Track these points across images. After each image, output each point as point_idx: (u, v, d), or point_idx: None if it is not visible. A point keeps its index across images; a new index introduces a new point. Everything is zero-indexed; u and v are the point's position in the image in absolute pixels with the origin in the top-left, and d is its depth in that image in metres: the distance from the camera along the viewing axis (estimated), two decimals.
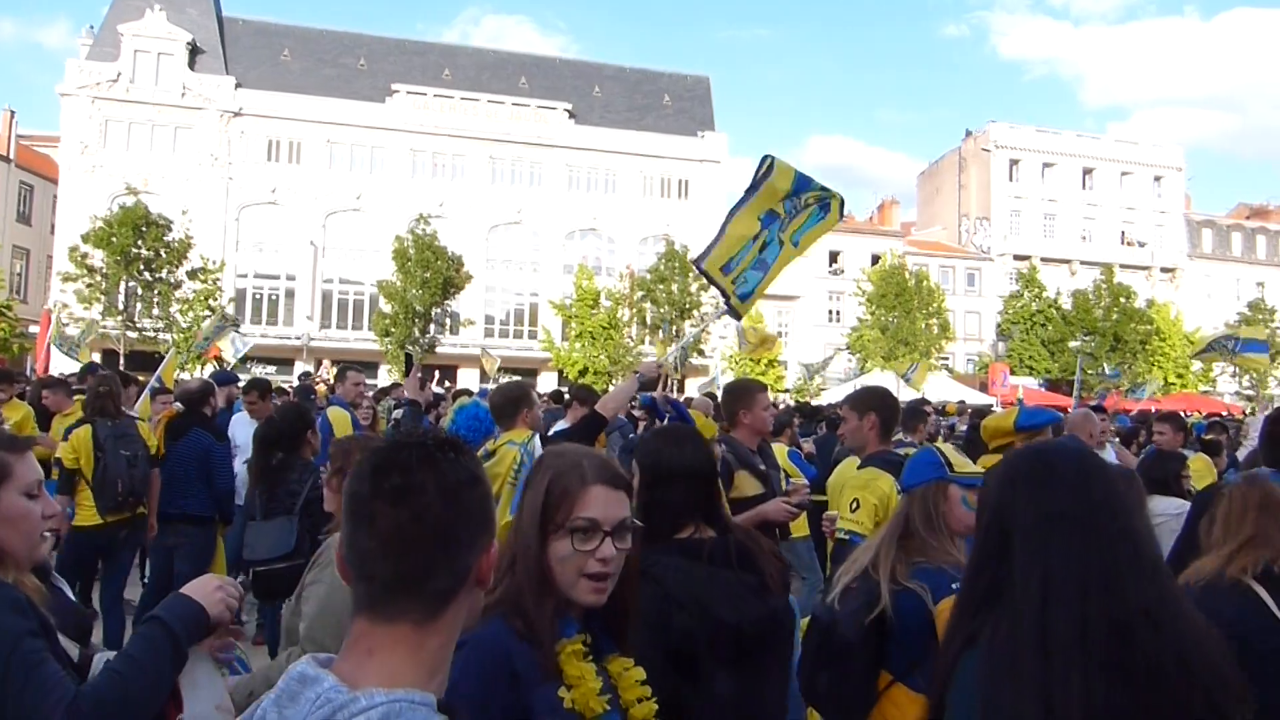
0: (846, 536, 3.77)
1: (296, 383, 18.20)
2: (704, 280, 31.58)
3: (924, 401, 10.44)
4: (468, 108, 42.18)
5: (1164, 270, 50.47)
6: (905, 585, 2.34)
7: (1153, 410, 13.84)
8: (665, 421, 4.07)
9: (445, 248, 34.43)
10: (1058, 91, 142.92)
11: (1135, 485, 4.13)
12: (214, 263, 32.66)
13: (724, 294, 5.25)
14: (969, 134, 52.00)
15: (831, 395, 27.65)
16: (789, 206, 5.26)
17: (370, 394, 9.66)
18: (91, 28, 40.66)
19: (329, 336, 38.89)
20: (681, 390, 31.89)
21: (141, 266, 30.18)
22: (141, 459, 6.04)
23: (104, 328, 29.74)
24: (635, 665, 1.70)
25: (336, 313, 40.64)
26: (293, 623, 2.77)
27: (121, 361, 26.71)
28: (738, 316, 5.45)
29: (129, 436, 6.05)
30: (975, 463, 2.77)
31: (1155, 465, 4.91)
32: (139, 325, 30.26)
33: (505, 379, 27.92)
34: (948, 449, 2.76)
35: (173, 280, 31.04)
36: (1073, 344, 39.45)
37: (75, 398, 8.23)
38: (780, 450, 6.66)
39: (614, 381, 34.16)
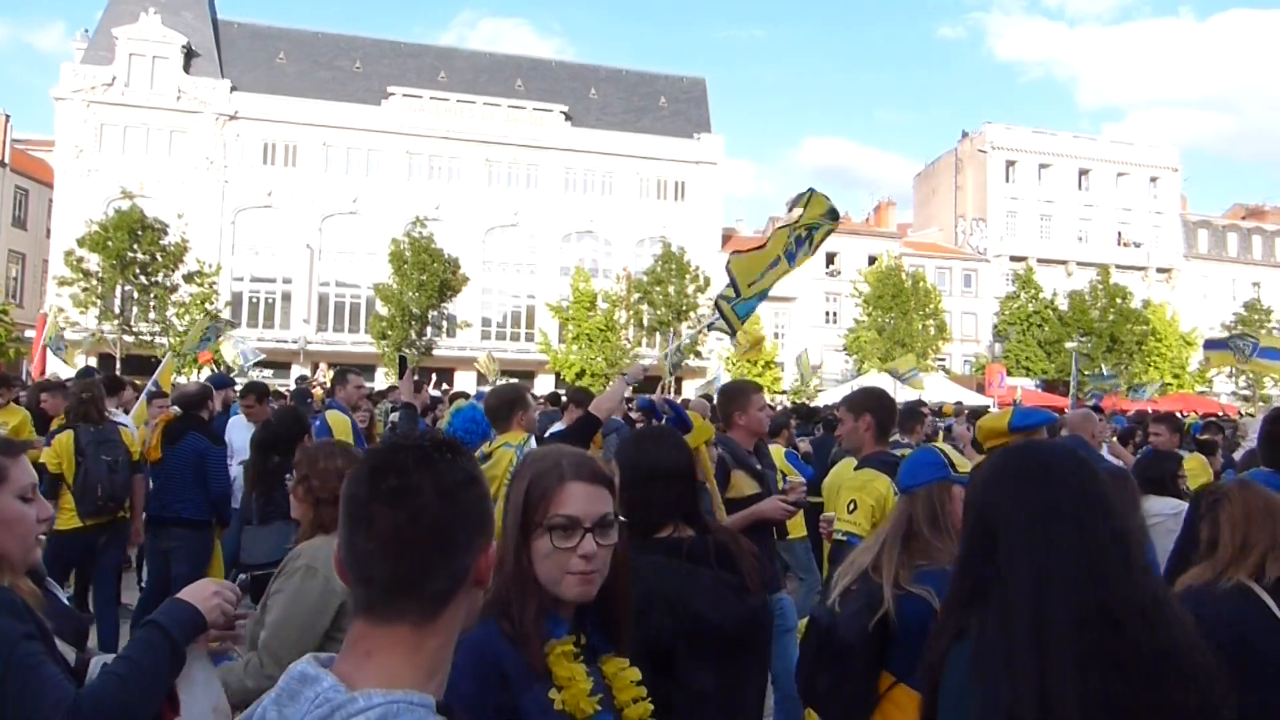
0: (844, 538, 3.77)
1: (293, 386, 18.18)
2: (701, 283, 31.69)
3: (920, 403, 10.46)
4: (464, 110, 42.18)
5: (1160, 271, 50.56)
6: (909, 590, 2.33)
7: (1149, 411, 13.86)
8: (663, 423, 4.07)
9: (442, 250, 34.45)
10: (1054, 92, 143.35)
11: (1129, 485, 4.16)
12: (210, 266, 32.64)
13: (727, 321, 5.37)
14: (965, 135, 52.08)
15: (828, 397, 27.66)
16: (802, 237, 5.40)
17: (367, 397, 9.66)
18: (86, 31, 40.64)
19: (326, 340, 38.85)
20: (679, 392, 31.90)
21: (137, 270, 30.16)
22: (123, 464, 6.09)
23: (100, 333, 29.74)
24: (630, 665, 1.70)
25: (333, 316, 40.60)
26: (255, 630, 2.76)
27: (118, 366, 26.65)
28: (733, 333, 5.56)
29: (110, 442, 6.10)
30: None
31: (1151, 465, 4.92)
32: (135, 329, 30.22)
33: (503, 381, 27.90)
34: (946, 448, 2.77)
35: (169, 284, 31.03)
36: (1069, 345, 39.52)
37: None
38: (777, 451, 6.67)
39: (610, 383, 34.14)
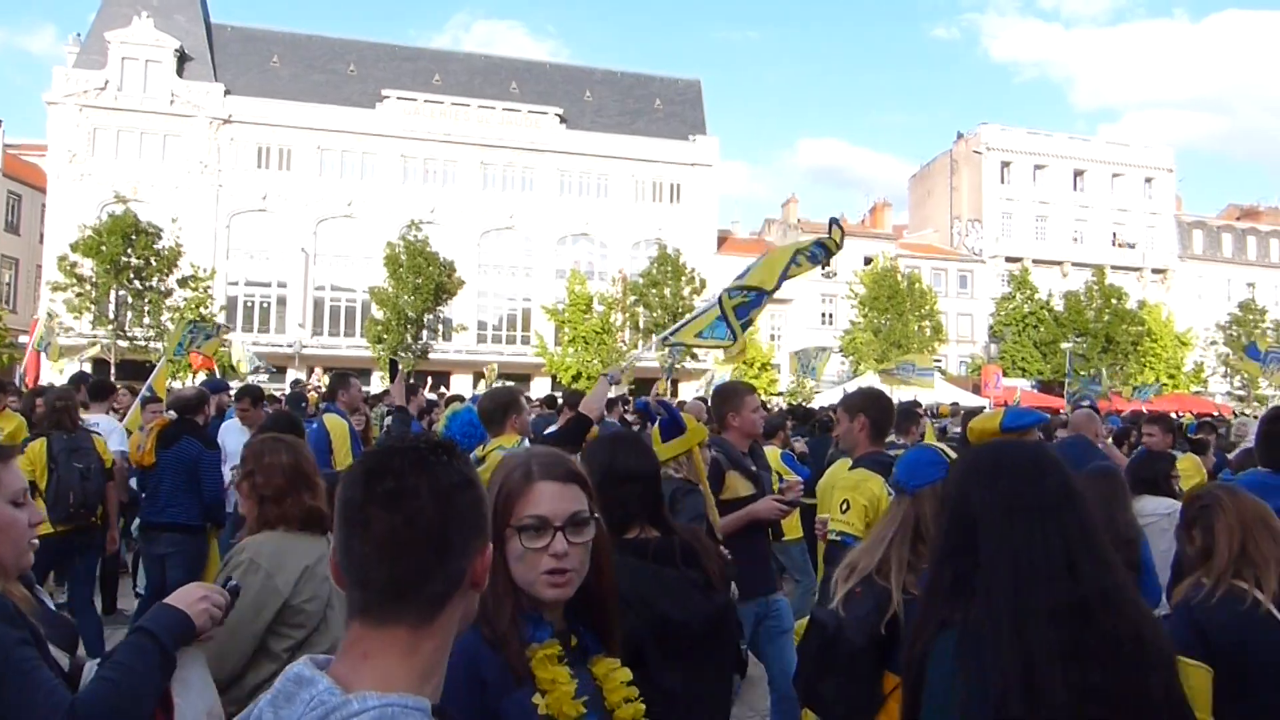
0: (838, 538, 3.77)
1: (288, 390, 18.15)
2: (696, 284, 31.70)
3: (916, 403, 10.48)
4: (459, 113, 42.17)
5: (1155, 271, 50.70)
6: (918, 593, 2.32)
7: (1143, 411, 13.90)
8: (656, 424, 4.08)
9: (437, 254, 34.46)
10: (1049, 93, 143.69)
11: (1119, 483, 4.17)
12: (205, 271, 32.60)
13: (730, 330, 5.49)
14: (960, 136, 52.21)
15: (825, 398, 27.69)
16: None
17: (364, 401, 9.67)
18: (78, 35, 40.56)
19: (321, 344, 38.81)
20: (676, 394, 31.91)
21: (131, 275, 30.11)
22: (95, 471, 6.13)
23: (95, 339, 29.69)
24: (621, 666, 1.70)
25: (328, 320, 40.56)
26: None
27: (112, 371, 26.59)
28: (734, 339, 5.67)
29: (83, 449, 6.14)
30: None
31: (1144, 465, 4.93)
32: (129, 334, 30.16)
33: (498, 384, 27.86)
34: (943, 446, 2.77)
35: (163, 289, 30.97)
36: (1065, 345, 39.60)
37: None
38: (773, 452, 6.68)
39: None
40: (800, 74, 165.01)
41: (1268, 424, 3.81)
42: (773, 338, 44.00)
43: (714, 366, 35.87)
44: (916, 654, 1.81)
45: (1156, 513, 4.42)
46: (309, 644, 2.76)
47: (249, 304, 39.75)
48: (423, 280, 33.61)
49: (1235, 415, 27.09)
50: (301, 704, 1.00)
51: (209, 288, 32.83)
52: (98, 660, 2.06)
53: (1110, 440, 8.66)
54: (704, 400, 11.25)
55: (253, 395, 7.65)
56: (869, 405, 4.22)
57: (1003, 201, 49.67)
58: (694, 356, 36.31)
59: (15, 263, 40.93)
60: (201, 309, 31.93)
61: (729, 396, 4.74)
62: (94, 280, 29.57)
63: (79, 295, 29.41)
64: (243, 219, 39.49)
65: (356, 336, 38.42)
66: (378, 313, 34.72)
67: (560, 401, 12.66)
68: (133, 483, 7.32)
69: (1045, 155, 50.61)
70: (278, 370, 34.64)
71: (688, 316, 5.90)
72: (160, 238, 30.61)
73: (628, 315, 38.73)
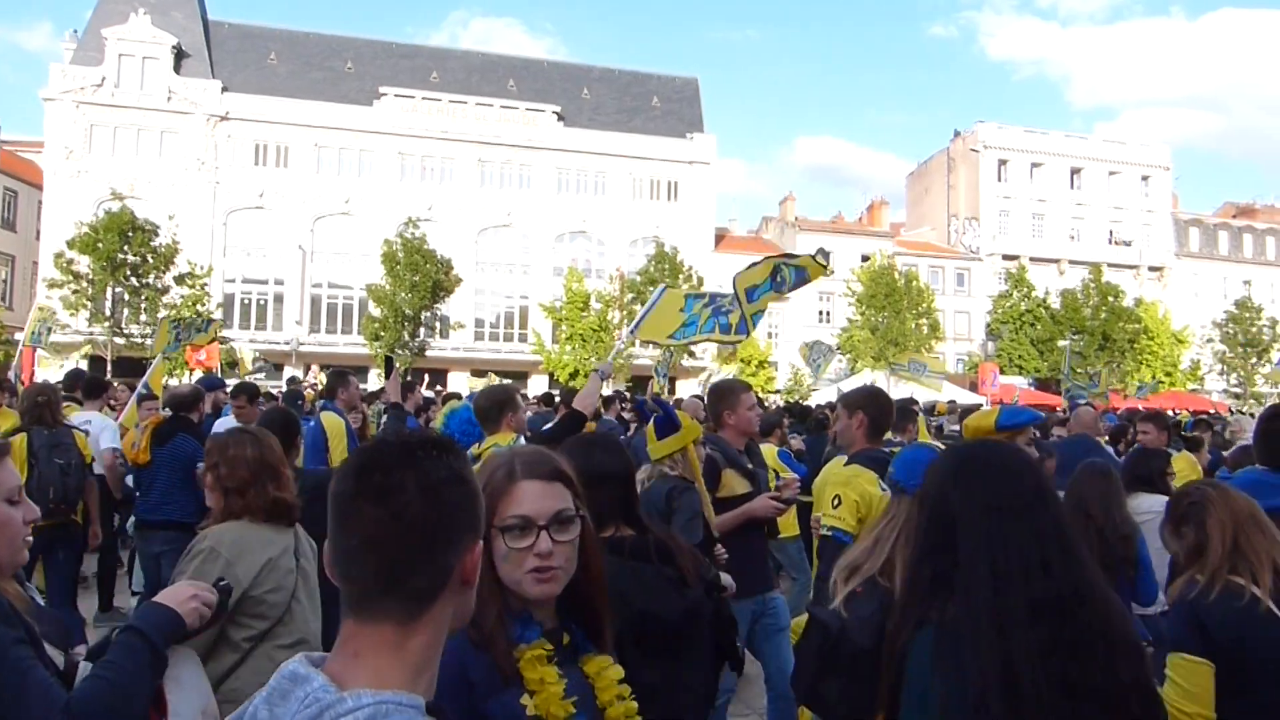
0: (829, 533, 3.77)
1: (285, 388, 18.12)
2: (694, 282, 31.82)
3: (913, 401, 10.49)
4: (456, 110, 42.13)
5: (1151, 269, 50.77)
6: None
7: (1139, 409, 13.92)
8: (651, 422, 4.08)
9: (434, 251, 34.44)
10: (1046, 92, 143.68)
11: (1114, 480, 4.18)
12: (201, 268, 32.58)
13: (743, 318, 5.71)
14: (957, 134, 52.21)
15: (821, 396, 27.70)
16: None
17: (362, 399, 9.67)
18: (75, 31, 40.49)
19: (318, 341, 38.76)
20: (673, 391, 31.91)
21: (128, 272, 30.07)
22: (75, 467, 6.11)
23: (90, 335, 29.65)
24: (613, 664, 1.69)
25: (325, 317, 40.52)
26: None
27: (109, 368, 26.56)
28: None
29: (63, 445, 6.12)
30: None
31: (1139, 463, 4.94)
32: (126, 331, 30.12)
33: (495, 382, 27.86)
34: (937, 445, 2.77)
35: (160, 286, 30.93)
36: (1062, 343, 39.63)
37: (65, 405, 8.20)
38: (770, 450, 6.68)
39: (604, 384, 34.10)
40: (798, 72, 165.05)
41: (1266, 421, 3.79)
42: (770, 335, 44.02)
43: (712, 364, 35.91)
44: (896, 651, 1.84)
45: (1152, 510, 4.43)
46: (271, 636, 2.76)
47: (246, 301, 39.71)
48: (420, 278, 33.59)
49: (1232, 413, 27.15)
50: (296, 701, 1.00)
51: (206, 285, 32.80)
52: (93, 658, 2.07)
53: (1107, 438, 8.69)
54: (701, 398, 11.25)
55: (249, 392, 7.64)
56: (868, 403, 4.22)
57: (1000, 199, 49.70)
58: (691, 354, 36.38)
59: (11, 260, 40.86)
60: (198, 306, 31.89)
61: (725, 394, 4.73)
62: (90, 277, 29.52)
63: (75, 292, 29.36)
64: (240, 216, 39.43)
65: (354, 334, 38.39)
66: (375, 310, 34.70)
67: (558, 399, 12.68)
68: (129, 480, 7.31)
69: (1042, 153, 50.64)
70: (275, 368, 34.67)
71: (645, 309, 5.90)
72: (157, 235, 30.57)
73: (625, 313, 38.72)
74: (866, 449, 4.08)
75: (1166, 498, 4.52)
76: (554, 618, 1.68)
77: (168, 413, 6.68)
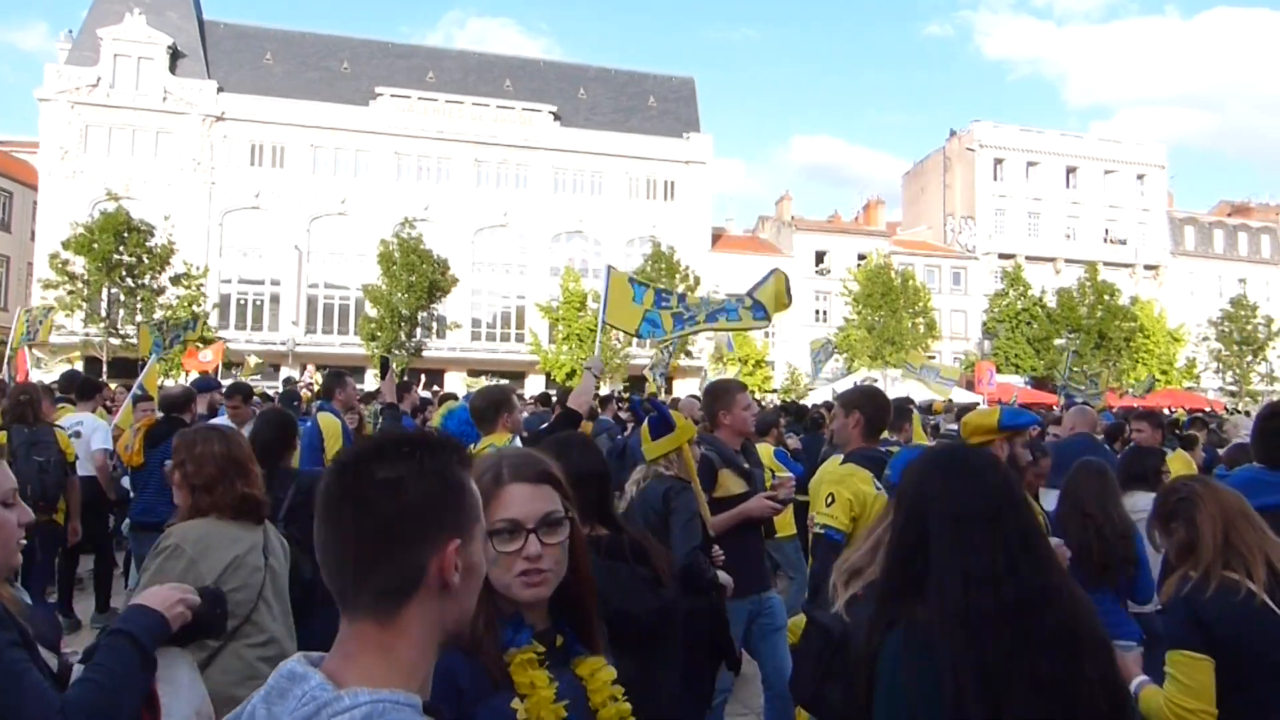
0: (822, 531, 3.77)
1: (281, 388, 18.09)
2: (691, 282, 31.94)
3: (909, 400, 10.48)
4: (452, 110, 42.09)
5: (1147, 268, 50.84)
6: None
7: (1135, 407, 13.94)
8: (646, 422, 4.08)
9: (431, 251, 34.39)
10: (1042, 91, 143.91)
11: (1109, 477, 4.18)
12: (197, 268, 32.50)
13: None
14: (953, 133, 52.25)
15: (818, 395, 27.70)
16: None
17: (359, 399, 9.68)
18: (70, 32, 40.36)
19: (315, 341, 38.72)
20: (670, 391, 31.91)
21: (123, 273, 29.99)
22: (54, 465, 6.16)
23: (86, 335, 29.57)
24: (606, 666, 1.68)
25: (322, 317, 40.46)
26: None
27: (104, 369, 26.51)
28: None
29: (43, 443, 6.18)
30: None
31: (1135, 461, 4.95)
32: (122, 332, 30.06)
33: (491, 382, 27.82)
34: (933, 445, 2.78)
35: (155, 286, 30.86)
36: (1058, 342, 39.64)
37: (60, 405, 8.19)
38: (766, 450, 6.68)
39: (601, 384, 34.11)
40: (794, 72, 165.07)
41: (1265, 420, 3.78)
42: (767, 335, 44.03)
43: (708, 365, 35.92)
44: (868, 651, 1.90)
45: (1148, 508, 4.42)
46: (239, 635, 2.74)
47: (242, 302, 39.64)
48: (416, 278, 33.54)
49: (1229, 411, 27.18)
50: (294, 699, 1.01)
51: (202, 285, 32.74)
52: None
53: (1102, 436, 8.69)
54: (698, 398, 11.25)
55: (243, 392, 7.65)
56: (865, 402, 4.22)
57: (995, 198, 49.75)
58: (688, 354, 36.39)
59: (6, 260, 40.76)
60: (194, 307, 31.83)
61: (720, 394, 4.73)
62: (86, 278, 29.45)
63: (71, 293, 29.28)
64: (235, 216, 39.36)
65: (350, 334, 38.32)
66: (371, 310, 34.65)
67: (554, 399, 12.67)
68: (125, 482, 7.30)
69: (1038, 152, 50.70)
70: (272, 368, 34.62)
71: (603, 295, 5.97)
72: (153, 235, 30.50)
73: None
74: (862, 448, 4.07)
75: None
76: (546, 620, 1.67)
77: (160, 414, 6.68)
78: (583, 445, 2.65)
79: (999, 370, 36.92)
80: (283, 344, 37.08)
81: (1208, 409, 25.51)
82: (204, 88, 39.17)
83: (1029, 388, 33.39)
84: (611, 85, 46.85)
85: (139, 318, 29.97)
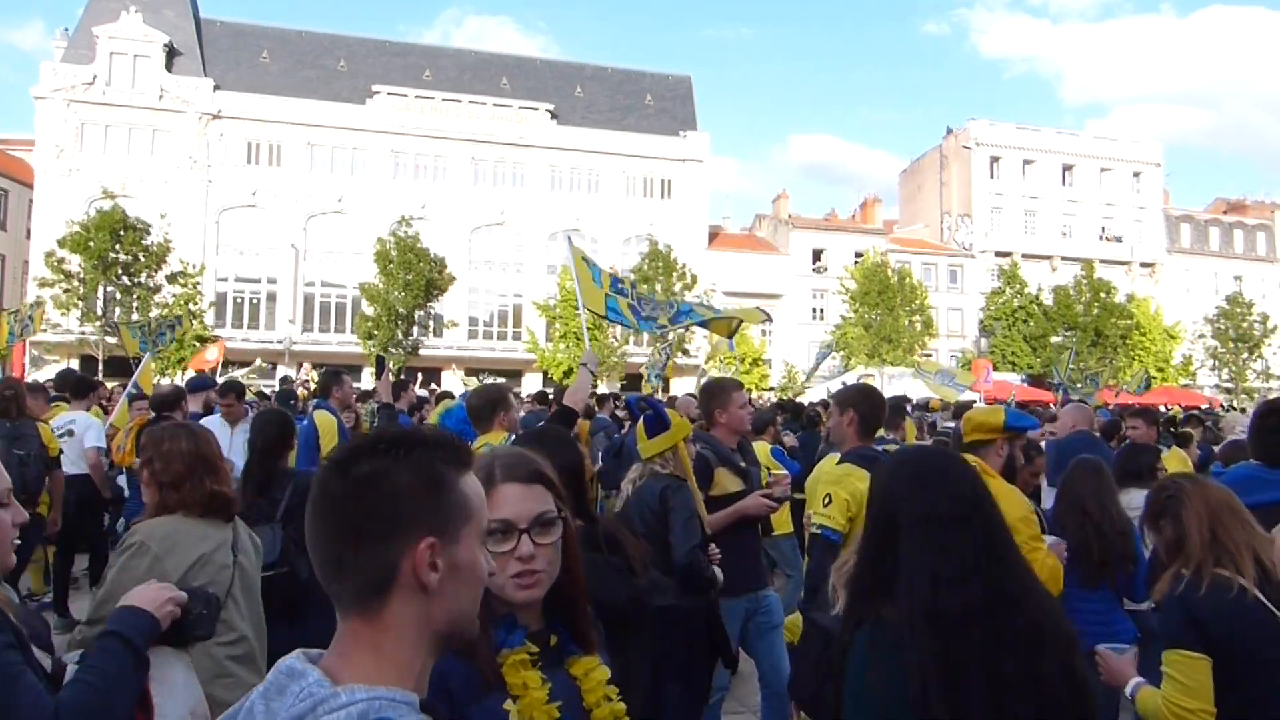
0: (818, 531, 3.77)
1: (277, 387, 18.08)
2: (688, 280, 31.85)
3: (905, 399, 10.50)
4: (449, 109, 42.04)
5: (1143, 265, 50.90)
6: None
7: (1131, 405, 13.96)
8: (641, 420, 4.08)
9: (427, 249, 34.36)
10: (1038, 89, 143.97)
11: (1105, 474, 4.18)
12: (194, 266, 32.45)
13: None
14: (950, 132, 52.28)
15: (815, 394, 27.72)
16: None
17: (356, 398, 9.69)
18: (66, 30, 40.31)
19: (311, 340, 38.67)
20: (667, 390, 31.90)
21: (119, 271, 29.95)
22: (35, 459, 6.22)
23: (82, 334, 29.52)
24: (600, 665, 1.68)
25: (318, 316, 40.42)
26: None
27: (100, 367, 26.47)
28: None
29: (25, 437, 6.24)
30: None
31: (1130, 458, 4.95)
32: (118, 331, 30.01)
33: (488, 380, 27.80)
34: (930, 447, 2.78)
35: (152, 285, 30.81)
36: (1055, 339, 39.68)
37: (54, 404, 8.18)
38: (762, 448, 6.67)
39: (598, 382, 34.10)
40: (792, 70, 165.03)
41: (1262, 417, 3.77)
42: (764, 333, 44.04)
43: (704, 364, 35.91)
44: (839, 648, 1.96)
45: (1143, 505, 4.44)
46: None
47: (238, 300, 39.59)
48: (413, 276, 33.52)
49: (1225, 409, 27.19)
50: (292, 696, 1.01)
51: (198, 284, 32.70)
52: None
53: (1099, 434, 8.70)
54: (694, 396, 11.26)
55: (236, 390, 7.66)
56: (860, 400, 4.22)
57: (992, 196, 49.80)
58: (685, 352, 36.37)
59: (2, 259, 40.67)
60: (190, 305, 31.82)
61: (716, 393, 4.72)
62: (82, 276, 29.40)
63: (66, 291, 29.25)
64: (232, 215, 39.30)
65: (347, 333, 38.28)
66: (368, 309, 34.61)
67: (551, 398, 12.67)
68: (121, 480, 7.29)
69: (1034, 150, 50.74)
70: (269, 366, 34.58)
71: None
72: (149, 234, 30.46)
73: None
74: (858, 447, 4.07)
75: None
76: (539, 620, 1.67)
77: (151, 413, 6.69)
78: (558, 439, 2.67)
79: (996, 368, 36.98)
80: (279, 342, 37.04)
81: (1204, 406, 25.55)
82: (200, 86, 39.09)
83: (1026, 385, 33.42)
84: (608, 84, 46.82)
85: (134, 316, 29.95)
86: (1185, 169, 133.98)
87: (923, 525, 1.87)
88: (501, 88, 43.87)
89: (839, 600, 2.45)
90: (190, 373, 20.62)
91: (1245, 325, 43.69)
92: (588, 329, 5.65)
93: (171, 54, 39.38)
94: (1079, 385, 19.40)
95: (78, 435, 7.07)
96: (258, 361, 24.23)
